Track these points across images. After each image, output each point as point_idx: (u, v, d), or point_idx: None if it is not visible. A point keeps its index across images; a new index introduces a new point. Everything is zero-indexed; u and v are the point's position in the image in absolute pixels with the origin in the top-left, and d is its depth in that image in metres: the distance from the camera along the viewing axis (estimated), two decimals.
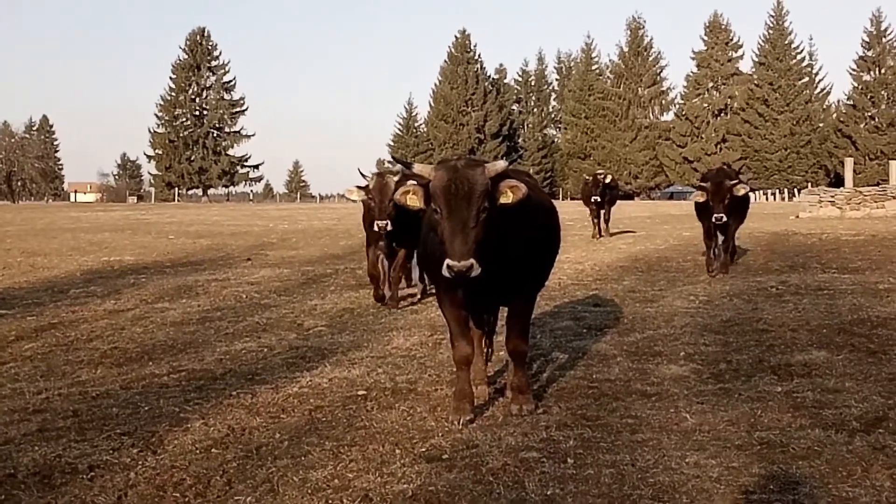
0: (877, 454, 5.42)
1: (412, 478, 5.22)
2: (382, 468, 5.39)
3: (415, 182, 6.10)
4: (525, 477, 5.18)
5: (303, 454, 5.69)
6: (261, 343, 9.60)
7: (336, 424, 6.38)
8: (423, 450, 5.76)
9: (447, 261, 5.61)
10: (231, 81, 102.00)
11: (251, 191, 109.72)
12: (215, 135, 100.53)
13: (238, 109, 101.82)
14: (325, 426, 6.34)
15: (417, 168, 6.01)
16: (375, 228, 11.21)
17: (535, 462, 5.44)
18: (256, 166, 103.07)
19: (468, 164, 5.91)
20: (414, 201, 5.95)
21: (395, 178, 10.92)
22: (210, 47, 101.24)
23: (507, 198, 5.91)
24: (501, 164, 6.01)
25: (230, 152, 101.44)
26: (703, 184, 14.51)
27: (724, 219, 13.89)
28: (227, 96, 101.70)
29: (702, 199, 14.33)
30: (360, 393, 7.28)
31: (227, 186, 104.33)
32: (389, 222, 11.01)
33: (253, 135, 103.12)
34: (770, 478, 5.05)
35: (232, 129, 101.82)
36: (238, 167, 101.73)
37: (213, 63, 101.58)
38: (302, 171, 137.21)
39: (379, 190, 11.11)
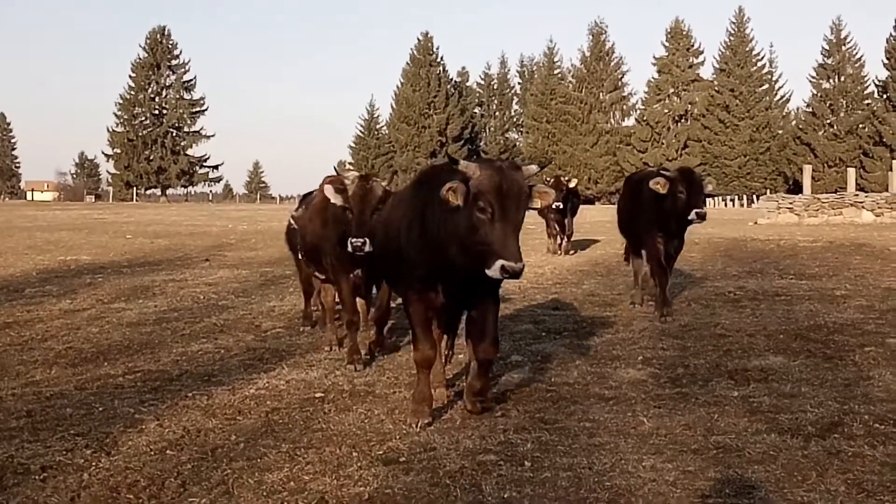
0: (832, 459, 5.45)
1: (369, 480, 5.20)
2: (339, 471, 5.36)
3: (458, 179, 5.83)
4: (482, 480, 5.17)
5: (258, 456, 5.66)
6: (218, 344, 9.54)
7: (293, 426, 6.35)
8: (381, 452, 5.74)
9: (502, 262, 5.50)
10: (191, 81, 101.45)
11: (210, 191, 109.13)
12: (174, 134, 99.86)
13: (198, 109, 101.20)
14: (282, 428, 6.31)
15: (462, 165, 5.85)
16: (349, 249, 7.95)
17: (493, 465, 5.44)
18: (216, 167, 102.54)
19: (512, 166, 5.91)
20: (454, 199, 5.75)
21: (385, 184, 8.24)
22: (170, 46, 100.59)
23: (536, 203, 5.97)
24: (534, 168, 6.09)
25: (189, 152, 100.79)
26: (667, 172, 10.80)
27: (705, 215, 10.46)
28: (186, 96, 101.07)
29: (663, 190, 10.53)
30: (318, 395, 7.25)
31: (186, 186, 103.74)
32: (368, 241, 7.84)
33: (213, 135, 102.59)
34: (726, 482, 5.07)
35: (191, 129, 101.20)
36: (197, 167, 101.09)
37: (174, 62, 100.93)
38: (262, 172, 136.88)
39: (361, 197, 8.05)
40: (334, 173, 8.72)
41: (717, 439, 5.88)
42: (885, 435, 5.90)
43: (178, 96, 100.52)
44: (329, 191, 8.21)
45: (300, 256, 9.57)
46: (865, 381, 7.42)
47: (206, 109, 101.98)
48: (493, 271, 5.55)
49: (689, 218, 10.36)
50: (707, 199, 10.95)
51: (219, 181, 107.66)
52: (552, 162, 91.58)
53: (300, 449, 5.80)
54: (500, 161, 5.99)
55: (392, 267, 6.98)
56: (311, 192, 9.98)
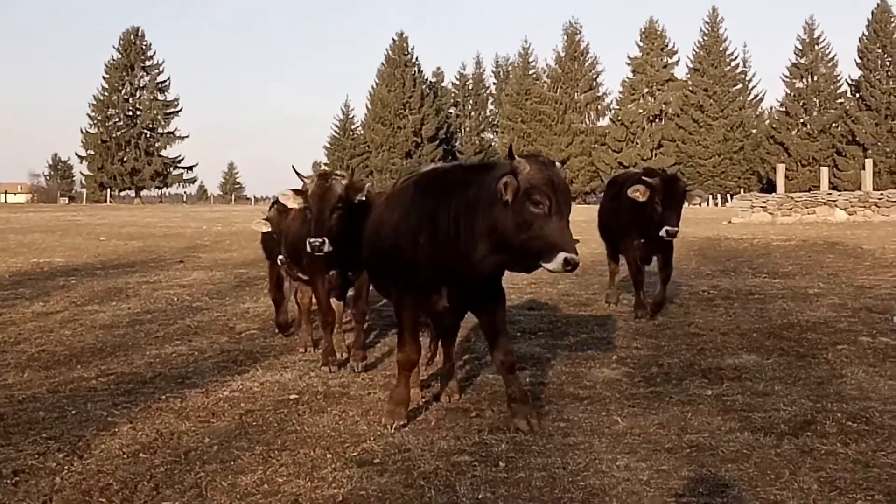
0: (804, 457, 5.47)
1: (343, 482, 5.18)
2: (313, 472, 5.34)
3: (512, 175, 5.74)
4: (456, 481, 5.16)
5: (232, 459, 5.63)
6: (192, 346, 9.50)
7: (267, 429, 6.32)
8: (355, 454, 5.72)
9: (566, 255, 5.52)
10: (165, 82, 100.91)
11: (185, 192, 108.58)
12: (148, 135, 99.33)
13: (172, 110, 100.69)
14: (256, 430, 6.28)
15: (516, 161, 5.77)
16: (308, 248, 7.76)
17: (467, 466, 5.43)
18: (190, 168, 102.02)
19: (552, 162, 5.97)
20: (507, 194, 5.67)
21: (344, 182, 8.02)
22: (144, 47, 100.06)
23: None
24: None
25: (163, 153, 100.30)
26: (649, 179, 10.16)
27: (675, 234, 10.09)
28: (160, 97, 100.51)
29: (643, 198, 10.07)
30: (292, 397, 7.23)
31: (160, 188, 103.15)
32: (328, 241, 7.70)
33: (187, 136, 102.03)
34: (699, 481, 5.08)
35: (165, 130, 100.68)
36: (171, 168, 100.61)
37: (147, 63, 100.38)
38: (237, 173, 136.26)
39: (320, 196, 7.86)
40: (310, 173, 8.63)
41: (691, 438, 5.89)
42: (858, 433, 5.93)
43: (151, 97, 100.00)
44: (284, 198, 8.21)
45: (282, 257, 9.34)
46: (838, 380, 7.47)
47: (180, 110, 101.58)
48: (555, 264, 5.55)
49: (661, 234, 10.02)
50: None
51: (193, 182, 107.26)
52: None
53: (274, 451, 5.77)
54: (542, 157, 5.99)
55: (385, 269, 6.86)
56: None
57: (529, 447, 5.79)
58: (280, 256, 9.32)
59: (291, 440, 6.02)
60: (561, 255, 5.51)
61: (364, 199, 7.97)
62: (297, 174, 8.38)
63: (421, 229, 6.21)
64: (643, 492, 4.96)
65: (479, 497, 4.93)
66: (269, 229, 9.59)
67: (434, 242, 6.11)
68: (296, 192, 8.12)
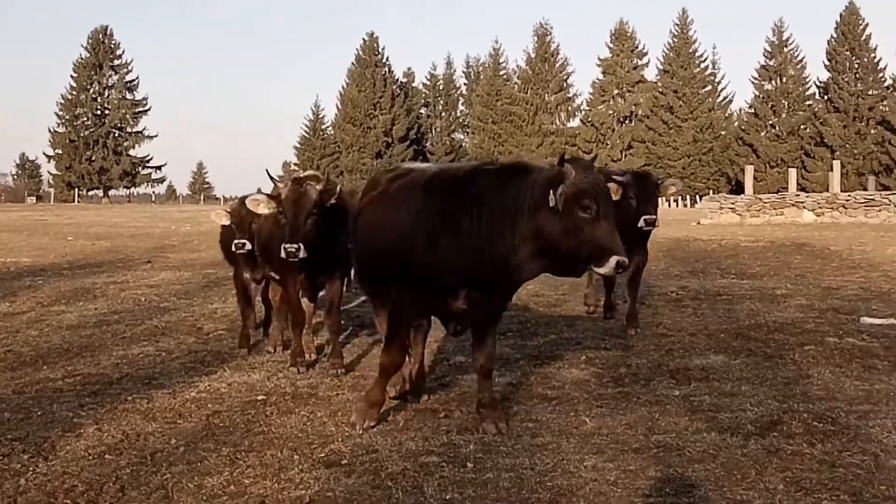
0: (771, 457, 5.51)
1: (310, 483, 5.17)
2: (280, 474, 5.32)
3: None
4: (424, 482, 5.15)
5: (198, 460, 5.60)
6: (159, 347, 9.45)
7: (234, 430, 6.30)
8: (322, 455, 5.70)
9: (617, 258, 5.53)
10: (134, 81, 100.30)
11: (153, 192, 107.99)
12: (117, 135, 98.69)
13: (140, 109, 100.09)
14: (223, 431, 6.26)
15: (565, 168, 5.74)
16: (283, 255, 7.59)
17: (435, 466, 5.43)
18: (159, 167, 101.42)
19: (593, 165, 6.01)
20: (553, 200, 5.66)
21: (319, 186, 7.84)
22: (112, 46, 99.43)
23: None
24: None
25: (132, 153, 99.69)
26: (620, 177, 9.60)
27: (654, 222, 9.92)
28: (129, 96, 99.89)
29: (616, 197, 8.52)
30: (260, 398, 7.20)
31: (128, 187, 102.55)
32: (303, 247, 7.53)
33: (155, 135, 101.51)
34: (666, 481, 5.10)
35: (134, 130, 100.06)
36: (140, 168, 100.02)
37: (116, 62, 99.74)
38: (206, 173, 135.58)
39: (295, 201, 7.69)
40: (280, 174, 8.58)
41: (658, 438, 5.92)
42: (824, 433, 5.97)
43: (120, 96, 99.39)
44: (254, 203, 8.09)
45: (238, 242, 9.02)
46: (805, 380, 7.51)
47: (148, 109, 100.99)
48: (607, 268, 5.60)
49: (639, 226, 9.81)
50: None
51: (162, 182, 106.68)
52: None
53: (241, 452, 5.75)
54: (584, 160, 5.98)
55: (383, 270, 6.67)
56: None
57: (498, 448, 5.79)
58: (236, 241, 9.01)
59: (259, 441, 6.00)
60: (613, 259, 5.55)
61: (335, 201, 7.92)
62: (271, 177, 8.31)
63: (440, 232, 6.09)
64: (610, 492, 4.97)
65: (447, 498, 4.93)
66: (229, 221, 9.28)
67: (458, 245, 6.00)
68: (269, 196, 8.01)
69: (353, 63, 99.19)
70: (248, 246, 8.96)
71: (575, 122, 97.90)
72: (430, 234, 6.12)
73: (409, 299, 6.38)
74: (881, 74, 77.64)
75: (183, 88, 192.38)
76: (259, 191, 8.84)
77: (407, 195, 6.57)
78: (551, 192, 5.65)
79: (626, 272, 5.69)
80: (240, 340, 9.54)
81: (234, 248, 9.04)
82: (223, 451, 5.77)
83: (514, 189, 5.94)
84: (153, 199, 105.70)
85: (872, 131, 75.25)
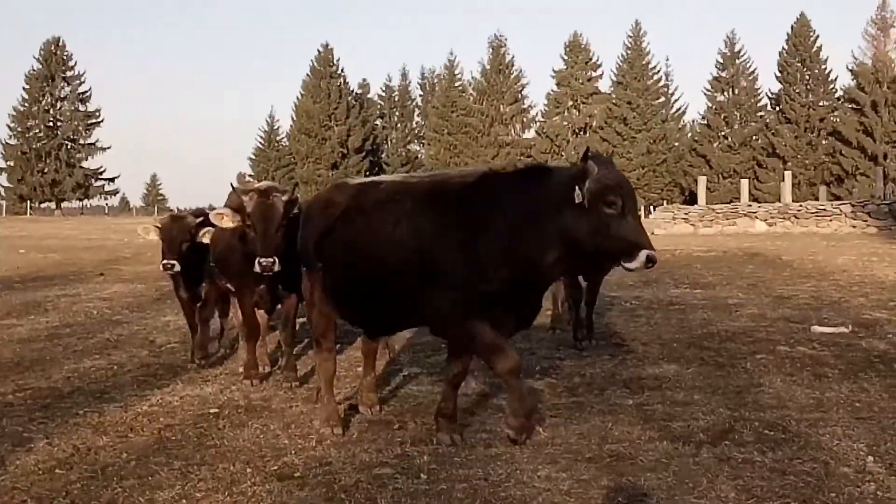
0: (722, 465, 5.55)
1: (263, 496, 5.15)
2: (232, 487, 5.29)
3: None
4: (378, 493, 5.15)
5: (150, 474, 5.56)
6: (111, 360, 9.36)
7: (186, 443, 6.25)
8: (275, 468, 5.67)
9: (648, 252, 5.51)
10: (86, 93, 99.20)
11: (107, 204, 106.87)
12: (69, 147, 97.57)
13: (93, 121, 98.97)
14: (175, 445, 6.21)
15: (588, 165, 5.73)
16: (257, 269, 7.48)
17: (389, 478, 5.42)
18: (112, 179, 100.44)
19: (612, 160, 6.02)
20: (579, 197, 5.62)
21: (285, 198, 7.76)
22: (65, 57, 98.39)
23: None
24: None
25: (85, 165, 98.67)
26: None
27: None
28: (82, 108, 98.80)
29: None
30: (212, 411, 7.16)
31: (81, 199, 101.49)
32: (276, 260, 7.45)
33: (109, 147, 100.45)
34: (619, 490, 5.12)
35: (87, 142, 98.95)
36: (93, 180, 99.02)
37: (68, 73, 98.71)
38: (160, 185, 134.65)
39: (263, 214, 7.57)
40: (236, 185, 8.44)
41: (612, 447, 5.94)
42: (775, 441, 6.02)
43: (73, 108, 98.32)
44: (218, 217, 7.90)
45: (167, 262, 8.75)
46: (756, 388, 7.58)
47: (101, 121, 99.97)
48: (638, 262, 5.53)
49: None
50: None
51: (115, 194, 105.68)
52: None
53: (193, 466, 5.71)
54: (603, 156, 5.99)
55: (387, 289, 6.35)
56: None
57: (451, 459, 5.79)
58: (165, 262, 8.74)
59: (211, 455, 5.96)
60: (643, 254, 5.52)
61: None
62: (234, 189, 8.13)
63: (474, 241, 5.95)
64: (563, 501, 4.99)
65: None
66: (157, 237, 8.95)
67: (493, 252, 5.89)
68: (233, 209, 7.84)
69: (307, 74, 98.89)
70: (178, 267, 8.73)
71: (530, 134, 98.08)
72: (464, 245, 5.97)
73: (466, 312, 6.00)
74: (832, 86, 78.41)
75: (136, 100, 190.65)
76: (210, 207, 8.70)
77: (418, 206, 6.30)
78: (577, 188, 5.62)
79: (653, 267, 5.64)
80: (191, 353, 9.40)
81: (162, 269, 8.86)
82: (175, 465, 5.73)
83: (538, 191, 5.92)
84: (106, 211, 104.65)
85: (823, 142, 75.98)
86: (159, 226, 9.05)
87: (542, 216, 5.81)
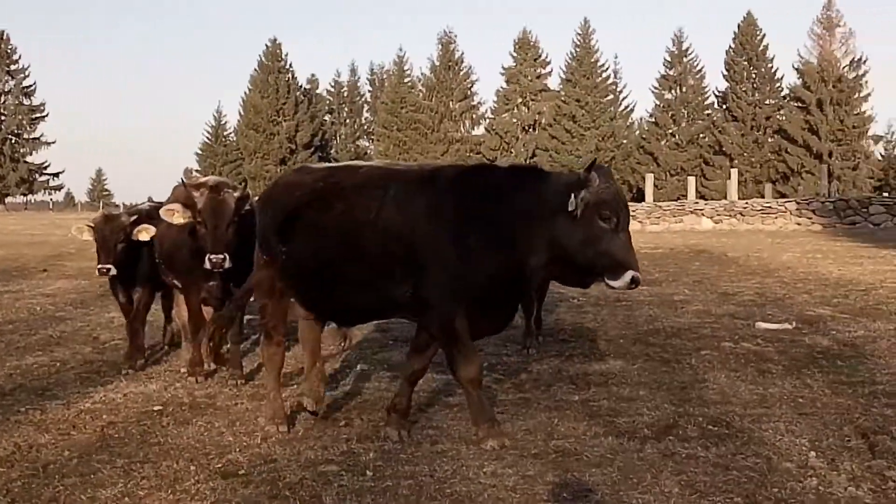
0: (666, 461, 5.58)
1: (206, 494, 5.11)
2: (175, 485, 5.25)
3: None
4: (323, 491, 5.13)
5: (92, 472, 5.50)
6: (53, 357, 9.25)
7: (129, 441, 6.19)
8: (220, 465, 5.64)
9: (634, 273, 5.52)
10: (31, 86, 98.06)
11: (51, 199, 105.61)
12: (13, 141, 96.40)
13: (38, 115, 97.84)
14: (118, 443, 6.15)
15: (591, 175, 5.65)
16: (207, 265, 7.51)
17: (334, 475, 5.40)
18: (57, 174, 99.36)
19: (611, 174, 5.91)
20: (575, 206, 5.58)
21: (237, 194, 7.79)
22: (9, 51, 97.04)
23: None
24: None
25: (29, 159, 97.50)
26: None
27: None
28: (26, 101, 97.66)
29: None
30: (156, 408, 7.10)
31: (25, 195, 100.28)
32: (227, 256, 7.49)
33: (53, 142, 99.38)
34: (564, 486, 5.14)
35: (31, 136, 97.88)
36: (37, 175, 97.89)
37: (13, 67, 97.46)
38: (105, 180, 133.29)
39: (215, 210, 7.57)
40: (182, 181, 8.35)
41: (557, 443, 5.96)
42: (718, 436, 6.07)
43: (17, 102, 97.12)
44: (169, 213, 7.79)
45: (102, 267, 8.64)
46: (700, 384, 7.64)
47: (46, 115, 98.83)
48: (621, 282, 5.55)
49: None
50: None
51: (60, 189, 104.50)
52: None
53: (136, 464, 5.66)
54: (605, 168, 5.87)
55: (360, 277, 6.20)
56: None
57: (397, 455, 5.78)
58: (100, 266, 8.63)
59: (154, 452, 5.91)
60: (629, 274, 5.53)
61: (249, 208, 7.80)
62: (185, 185, 8.06)
63: (465, 231, 5.89)
64: (508, 497, 5.00)
65: None
66: (92, 237, 8.83)
67: (483, 244, 5.85)
68: (184, 205, 7.76)
69: (255, 69, 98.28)
70: (114, 271, 8.56)
71: (480, 131, 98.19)
72: (455, 235, 5.91)
73: (454, 303, 5.95)
74: (778, 84, 79.28)
75: (81, 94, 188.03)
76: (150, 199, 8.61)
77: (409, 192, 6.16)
78: (573, 196, 5.58)
79: (636, 289, 5.66)
80: (131, 353, 8.95)
81: (98, 273, 8.70)
82: (118, 463, 5.67)
83: (532, 192, 5.87)
84: (51, 206, 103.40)
85: (770, 140, 76.76)
86: (92, 225, 8.89)
87: (534, 218, 5.77)
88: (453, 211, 5.97)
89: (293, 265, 6.50)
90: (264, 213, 6.79)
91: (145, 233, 8.53)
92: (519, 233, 5.82)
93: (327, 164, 7.10)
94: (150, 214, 8.76)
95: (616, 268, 5.57)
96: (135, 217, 8.73)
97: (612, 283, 5.61)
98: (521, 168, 6.34)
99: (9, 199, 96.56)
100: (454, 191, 6.08)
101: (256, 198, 7.77)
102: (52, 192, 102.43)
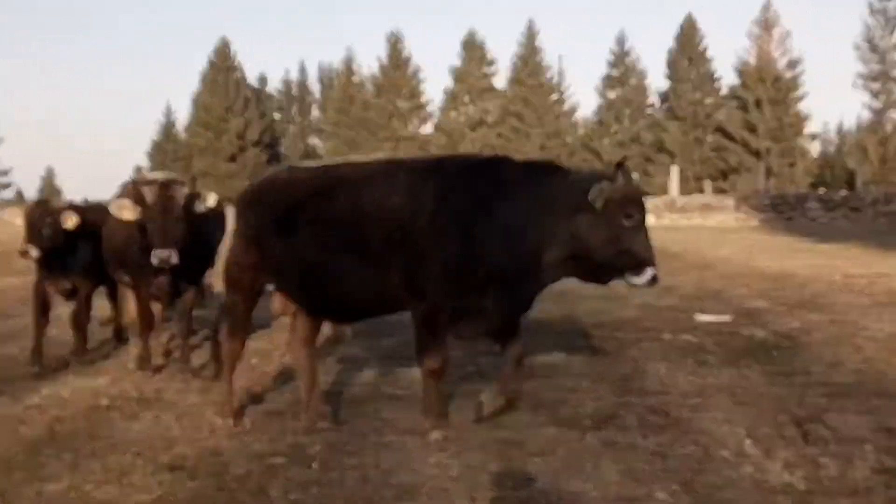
0: (607, 449, 5.71)
1: (153, 487, 5.15)
2: (122, 479, 5.28)
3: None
4: (269, 483, 5.19)
5: (39, 466, 5.53)
6: (1, 353, 9.29)
7: (77, 435, 6.21)
8: (167, 459, 5.67)
9: (653, 271, 5.61)
10: None
11: (0, 198, 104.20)
12: None
13: None
14: (65, 437, 6.17)
15: (616, 172, 5.69)
16: (155, 262, 7.49)
17: (281, 468, 5.46)
18: (5, 172, 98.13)
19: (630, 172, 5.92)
20: (599, 203, 5.60)
21: (185, 190, 7.84)
22: None
23: None
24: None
25: None
26: None
27: None
28: None
29: None
30: (104, 403, 7.11)
31: None
32: (175, 253, 7.52)
33: (1, 140, 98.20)
34: (506, 475, 5.24)
35: None
36: None
37: None
38: (56, 178, 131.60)
39: (163, 206, 7.60)
40: (134, 178, 8.34)
41: (501, 434, 6.06)
42: (657, 425, 6.21)
43: None
44: (119, 208, 7.74)
45: (29, 252, 8.41)
46: (641, 375, 7.80)
47: None
48: (642, 279, 5.63)
49: None
50: None
51: (7, 187, 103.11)
52: None
53: (83, 458, 5.69)
54: (626, 166, 5.87)
55: (360, 269, 6.18)
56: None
57: (344, 447, 5.85)
58: (21, 247, 8.44)
59: (101, 446, 5.94)
60: (650, 271, 5.62)
61: (205, 209, 7.83)
62: (135, 183, 8.05)
63: (473, 221, 5.90)
64: (452, 487, 5.08)
65: (292, 498, 4.98)
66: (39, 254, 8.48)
67: (492, 235, 5.86)
68: (134, 201, 7.73)
69: (205, 68, 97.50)
70: (35, 253, 8.40)
71: (428, 129, 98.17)
72: (461, 224, 5.92)
73: (444, 299, 6.00)
74: (717, 84, 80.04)
75: (30, 92, 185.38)
76: (85, 200, 8.57)
77: (419, 184, 6.14)
78: (595, 186, 5.63)
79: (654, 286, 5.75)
80: (31, 356, 8.69)
81: (19, 254, 8.52)
82: (65, 457, 5.70)
83: (550, 186, 5.90)
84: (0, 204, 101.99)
85: (710, 138, 77.53)
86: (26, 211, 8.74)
87: (551, 214, 5.80)
88: (460, 203, 5.98)
89: (292, 261, 6.40)
90: (251, 212, 6.62)
91: (70, 220, 8.43)
92: (531, 229, 5.84)
93: (320, 164, 7.05)
94: (93, 209, 8.77)
95: (637, 265, 5.68)
96: (66, 205, 8.76)
97: (633, 280, 5.72)
98: (538, 162, 6.34)
99: None
100: (463, 182, 6.09)
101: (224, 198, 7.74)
102: (1, 189, 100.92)
